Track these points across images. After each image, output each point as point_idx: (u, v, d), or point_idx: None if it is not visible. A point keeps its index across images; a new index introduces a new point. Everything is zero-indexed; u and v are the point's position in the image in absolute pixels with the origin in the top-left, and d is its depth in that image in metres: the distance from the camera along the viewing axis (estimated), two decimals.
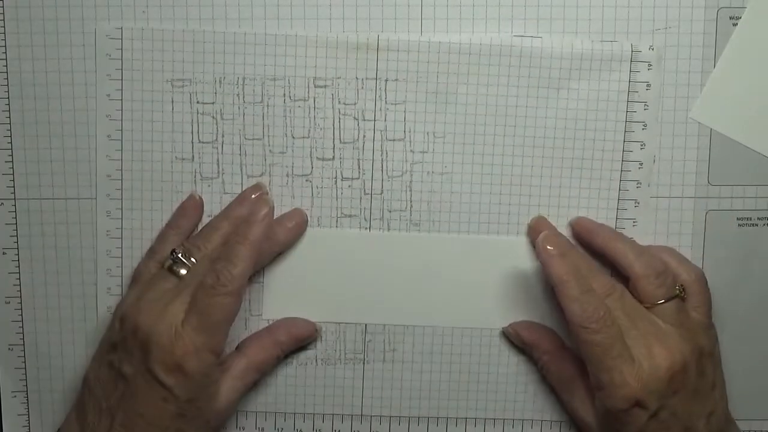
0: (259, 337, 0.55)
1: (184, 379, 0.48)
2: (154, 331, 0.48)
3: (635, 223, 0.55)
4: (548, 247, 0.50)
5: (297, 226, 0.54)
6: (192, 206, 0.54)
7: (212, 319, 0.48)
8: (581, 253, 0.53)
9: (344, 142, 0.54)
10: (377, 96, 0.54)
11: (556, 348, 0.54)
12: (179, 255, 0.51)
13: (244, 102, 0.54)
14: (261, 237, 0.50)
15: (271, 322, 0.56)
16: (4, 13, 0.53)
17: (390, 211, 0.55)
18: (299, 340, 0.55)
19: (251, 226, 0.50)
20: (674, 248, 0.54)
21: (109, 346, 0.51)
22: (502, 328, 0.55)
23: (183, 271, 0.51)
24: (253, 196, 0.54)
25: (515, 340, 0.55)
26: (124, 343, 0.50)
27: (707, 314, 0.52)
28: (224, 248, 0.50)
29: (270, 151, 0.54)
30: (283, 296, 0.56)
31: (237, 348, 0.54)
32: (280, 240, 0.54)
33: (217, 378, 0.51)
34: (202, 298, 0.49)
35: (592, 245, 0.54)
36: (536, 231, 0.53)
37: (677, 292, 0.51)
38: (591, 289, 0.49)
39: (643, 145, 0.54)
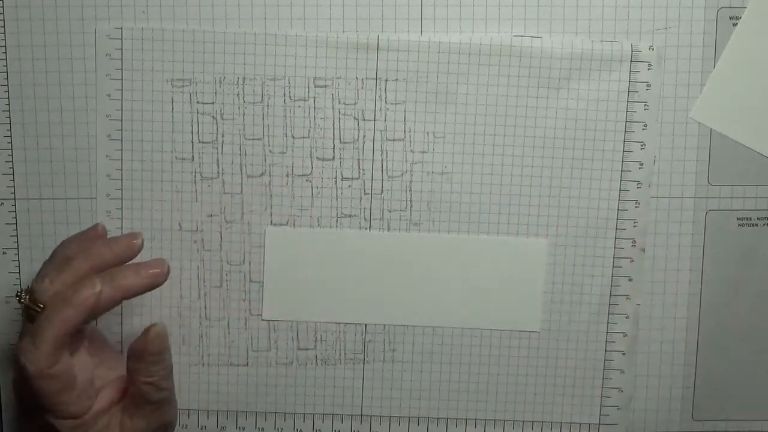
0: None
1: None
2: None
3: (636, 224, 0.55)
4: None
5: (152, 276, 0.49)
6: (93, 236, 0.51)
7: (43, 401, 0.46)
8: None
9: (344, 142, 0.54)
10: (377, 96, 0.54)
11: None
12: (26, 301, 0.48)
13: (244, 102, 0.54)
14: (76, 321, 0.46)
15: (270, 323, 0.56)
16: (4, 13, 0.53)
17: (390, 211, 0.55)
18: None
19: (70, 307, 0.46)
20: None
21: None
22: None
23: (32, 311, 0.47)
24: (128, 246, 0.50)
25: None
26: None
27: None
28: (35, 324, 0.46)
29: (270, 151, 0.54)
30: (282, 296, 0.55)
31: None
32: (123, 285, 0.48)
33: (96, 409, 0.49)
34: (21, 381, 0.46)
35: None
36: None
37: None
38: None
39: (643, 145, 0.54)
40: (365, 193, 0.55)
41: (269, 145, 0.54)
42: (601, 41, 0.53)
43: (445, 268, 0.55)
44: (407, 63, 0.53)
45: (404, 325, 0.56)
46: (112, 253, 0.49)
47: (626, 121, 0.54)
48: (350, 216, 0.55)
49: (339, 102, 0.54)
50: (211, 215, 0.55)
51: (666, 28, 0.53)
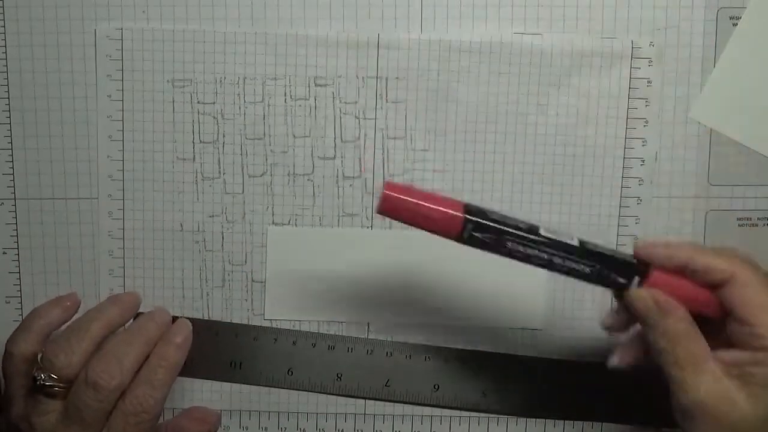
0: None
1: None
2: None
3: (638, 221, 0.55)
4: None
5: (185, 341, 0.51)
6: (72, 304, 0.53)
7: None
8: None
9: (345, 141, 0.54)
10: (378, 94, 0.54)
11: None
12: (47, 373, 0.47)
13: (244, 102, 0.54)
14: (180, 363, 0.50)
15: (272, 324, 0.56)
16: (4, 13, 0.53)
17: None
18: None
19: (172, 349, 0.50)
20: None
21: None
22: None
23: (56, 388, 0.47)
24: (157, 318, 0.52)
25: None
26: None
27: None
28: (145, 371, 0.48)
29: (271, 150, 0.54)
30: (284, 296, 0.55)
31: None
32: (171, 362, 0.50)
33: None
34: (123, 427, 0.47)
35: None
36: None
37: None
38: None
39: (644, 141, 0.54)
40: (366, 192, 0.55)
41: (270, 145, 0.54)
42: (601, 38, 0.53)
43: (445, 268, 0.55)
44: (408, 61, 0.53)
45: (405, 324, 0.56)
46: (120, 312, 0.51)
47: (627, 118, 0.54)
48: (352, 215, 0.55)
49: (340, 101, 0.54)
50: (213, 215, 0.55)
51: (666, 28, 0.54)
